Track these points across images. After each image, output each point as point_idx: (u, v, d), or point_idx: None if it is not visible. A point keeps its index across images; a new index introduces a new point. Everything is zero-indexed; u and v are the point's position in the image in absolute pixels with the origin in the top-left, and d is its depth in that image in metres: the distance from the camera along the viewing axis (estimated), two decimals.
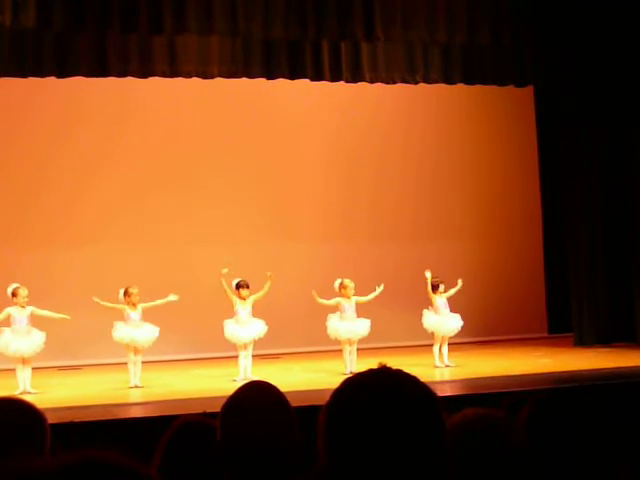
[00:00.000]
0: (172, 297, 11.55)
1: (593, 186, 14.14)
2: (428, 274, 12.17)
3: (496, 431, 2.66)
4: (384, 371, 1.78)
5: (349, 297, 11.88)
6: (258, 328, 11.60)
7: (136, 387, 11.06)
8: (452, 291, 12.28)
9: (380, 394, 1.70)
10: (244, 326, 11.56)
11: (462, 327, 12.12)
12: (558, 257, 15.18)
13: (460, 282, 12.30)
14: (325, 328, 11.89)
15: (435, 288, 12.13)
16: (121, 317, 11.34)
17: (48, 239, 13.98)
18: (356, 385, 1.74)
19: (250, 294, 11.64)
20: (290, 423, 2.90)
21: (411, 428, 1.67)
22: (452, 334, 12.10)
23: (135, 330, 11.24)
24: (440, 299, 12.13)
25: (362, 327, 11.85)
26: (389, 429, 1.66)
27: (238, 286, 11.65)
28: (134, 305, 11.31)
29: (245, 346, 11.53)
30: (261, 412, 2.87)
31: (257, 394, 2.98)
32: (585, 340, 13.94)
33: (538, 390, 8.82)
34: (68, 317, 11.19)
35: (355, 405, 1.69)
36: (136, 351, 11.26)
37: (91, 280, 13.91)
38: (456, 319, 12.11)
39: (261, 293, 11.67)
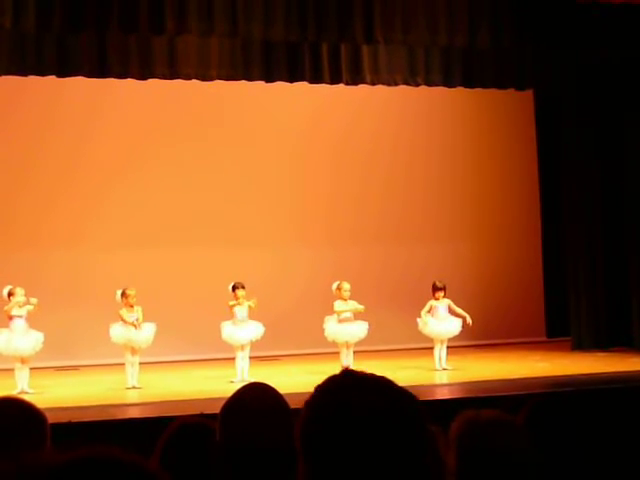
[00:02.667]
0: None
1: (592, 190, 14.14)
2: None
3: (501, 433, 2.66)
4: (351, 377, 1.76)
5: (346, 299, 11.87)
6: (255, 330, 11.60)
7: (133, 388, 11.05)
8: (455, 307, 12.17)
9: (350, 404, 1.68)
10: (241, 328, 11.55)
11: (460, 331, 12.08)
12: (557, 261, 15.18)
13: (469, 319, 12.14)
14: (323, 330, 11.89)
15: (436, 291, 12.11)
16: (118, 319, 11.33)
17: (33, 239, 13.93)
18: (325, 396, 1.73)
19: (247, 296, 11.62)
20: (289, 425, 2.90)
21: (385, 433, 1.66)
22: (447, 337, 12.06)
23: (132, 330, 11.22)
24: (439, 304, 12.09)
25: (360, 330, 11.83)
26: (362, 436, 1.65)
27: (234, 288, 11.64)
28: (131, 306, 11.30)
29: (242, 347, 11.53)
30: (260, 413, 2.87)
31: (256, 395, 2.98)
32: (583, 344, 13.95)
33: (536, 394, 8.82)
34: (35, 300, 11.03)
35: (325, 419, 1.69)
36: (133, 352, 11.24)
37: (86, 280, 13.92)
38: (454, 323, 12.08)
39: (250, 304, 11.63)
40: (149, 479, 1.21)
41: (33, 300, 10.92)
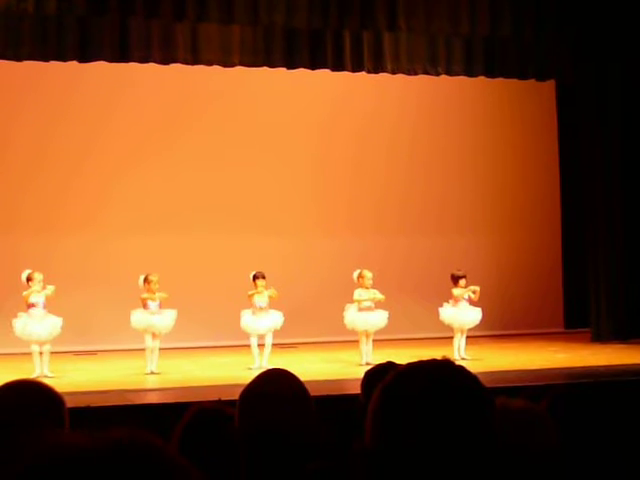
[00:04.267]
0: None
1: (613, 180, 14.08)
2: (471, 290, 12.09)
3: (531, 421, 2.65)
4: (445, 362, 1.82)
5: (367, 288, 11.85)
6: (274, 319, 11.60)
7: (152, 373, 11.09)
8: (464, 291, 12.11)
9: (438, 382, 1.74)
10: (260, 317, 11.57)
11: (480, 320, 12.06)
12: (576, 252, 15.12)
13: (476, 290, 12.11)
14: (342, 318, 11.89)
15: (456, 281, 12.07)
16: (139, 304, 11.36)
17: (52, 224, 13.99)
18: (416, 371, 1.77)
19: (267, 286, 11.63)
20: (308, 411, 2.90)
21: (465, 418, 1.71)
22: (467, 327, 12.04)
23: (153, 316, 11.25)
24: (460, 291, 12.06)
25: (379, 319, 11.82)
26: (442, 417, 1.69)
27: (255, 277, 11.63)
28: (154, 292, 11.32)
29: (262, 336, 11.54)
30: (280, 400, 2.87)
31: (276, 381, 2.98)
32: (602, 336, 13.90)
33: (555, 385, 8.80)
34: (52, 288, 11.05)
35: (412, 390, 1.73)
36: (153, 337, 11.27)
37: (106, 265, 13.96)
38: (474, 312, 12.05)
39: (270, 294, 11.64)
40: (180, 471, 1.19)
41: (50, 287, 10.94)
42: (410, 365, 1.80)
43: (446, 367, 1.81)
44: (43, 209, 13.98)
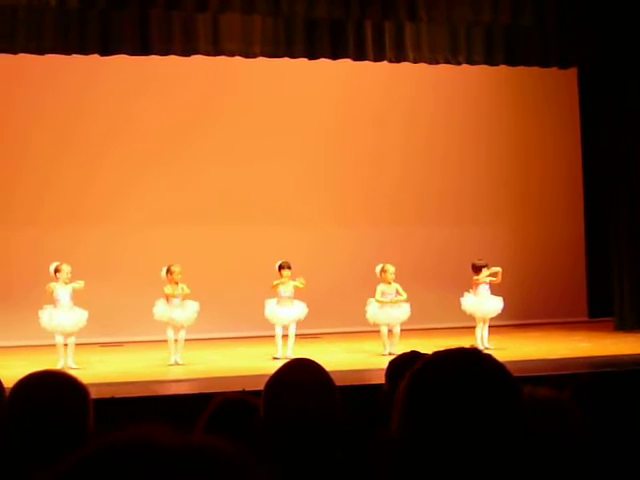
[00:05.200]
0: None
1: (636, 168, 14.00)
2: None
3: (557, 410, 2.66)
4: (473, 351, 1.85)
5: (390, 282, 11.83)
6: (299, 310, 11.62)
7: (177, 364, 11.12)
8: (487, 274, 12.06)
9: (466, 371, 1.76)
10: (285, 307, 11.59)
11: (502, 309, 12.03)
12: (600, 240, 15.06)
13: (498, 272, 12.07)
14: (363, 309, 11.88)
15: (478, 270, 12.04)
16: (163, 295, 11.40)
17: (82, 214, 14.06)
18: (444, 359, 1.79)
19: (292, 276, 11.65)
20: (334, 400, 2.91)
21: (494, 407, 1.72)
22: (490, 316, 12.01)
23: (175, 309, 11.28)
24: (481, 276, 12.02)
25: (402, 312, 11.80)
26: (472, 405, 1.71)
27: (280, 267, 11.65)
28: (176, 283, 11.35)
29: (285, 326, 11.56)
30: (306, 389, 2.87)
31: (301, 371, 2.98)
32: (626, 325, 13.85)
33: (578, 374, 8.77)
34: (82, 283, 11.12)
35: (440, 378, 1.74)
36: (176, 329, 11.30)
37: (130, 257, 14.02)
38: (495, 301, 12.02)
39: (297, 284, 11.66)
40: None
41: (80, 282, 11.00)
42: (438, 353, 1.82)
43: (474, 355, 1.82)
44: (66, 202, 14.03)
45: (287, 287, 11.59)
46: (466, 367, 1.77)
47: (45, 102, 14.03)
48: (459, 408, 1.69)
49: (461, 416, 1.69)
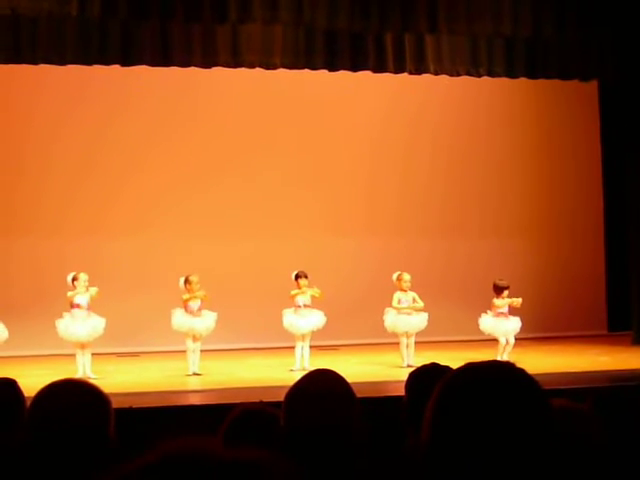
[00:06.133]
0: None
1: None
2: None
3: (573, 420, 2.65)
4: (505, 363, 1.87)
5: (405, 290, 11.84)
6: (317, 319, 11.62)
7: (195, 375, 11.13)
8: (507, 302, 11.96)
9: (499, 383, 1.77)
10: (303, 317, 11.60)
11: (520, 328, 11.91)
12: (619, 254, 15.01)
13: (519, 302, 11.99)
14: (382, 320, 11.89)
15: (499, 291, 11.95)
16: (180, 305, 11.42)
17: (98, 226, 14.12)
18: (476, 371, 1.81)
19: (309, 285, 11.66)
20: (355, 411, 2.91)
21: (525, 419, 1.73)
22: (511, 335, 11.86)
23: (194, 319, 11.31)
24: (502, 303, 11.89)
25: (420, 321, 11.79)
26: (503, 417, 1.72)
27: (297, 277, 11.68)
28: (194, 293, 11.37)
29: (303, 337, 11.56)
30: (327, 400, 2.88)
31: (322, 381, 2.98)
32: None
33: (597, 388, 8.75)
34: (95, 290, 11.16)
35: (472, 389, 1.75)
36: (194, 339, 11.32)
37: (149, 267, 14.06)
38: (513, 322, 11.87)
39: (313, 293, 11.66)
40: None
41: (93, 289, 11.05)
42: (470, 364, 1.83)
43: (507, 368, 1.83)
44: (89, 214, 14.10)
45: (305, 296, 11.61)
46: (499, 378, 1.78)
47: (72, 113, 14.10)
48: (490, 419, 1.70)
49: (492, 428, 1.69)
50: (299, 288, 11.62)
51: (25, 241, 13.94)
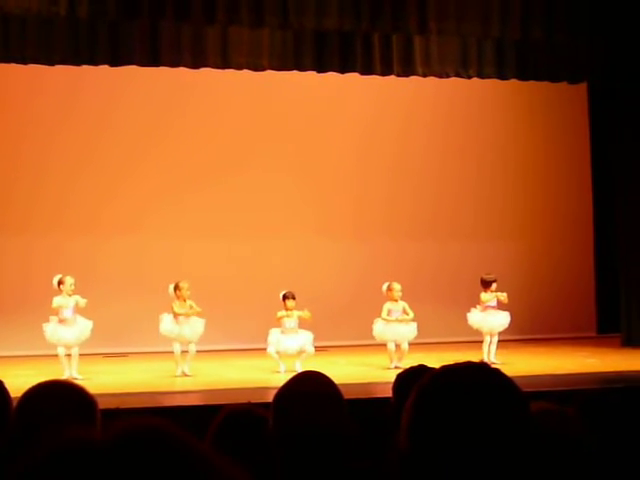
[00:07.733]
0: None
1: None
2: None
3: (554, 421, 2.65)
4: (480, 365, 1.85)
5: (396, 300, 11.78)
6: (304, 339, 11.34)
7: (183, 375, 11.09)
8: (494, 296, 12.01)
9: (475, 385, 1.76)
10: (290, 337, 11.33)
11: (509, 324, 11.98)
12: (608, 256, 15.04)
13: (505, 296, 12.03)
14: (371, 322, 11.85)
15: (487, 285, 12.00)
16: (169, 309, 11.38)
17: (90, 227, 14.09)
18: (452, 373, 1.80)
19: (296, 306, 11.45)
20: (343, 412, 2.91)
21: (502, 421, 1.73)
22: (496, 331, 11.95)
23: (183, 325, 11.23)
24: (489, 297, 11.97)
25: (409, 330, 11.73)
26: (479, 419, 1.71)
27: (285, 297, 11.46)
28: (184, 300, 11.31)
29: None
30: (315, 401, 2.88)
31: (311, 383, 2.98)
32: (633, 340, 13.81)
33: (585, 390, 8.75)
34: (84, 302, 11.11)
35: (448, 391, 1.75)
36: (183, 344, 11.26)
37: (136, 268, 14.04)
38: (502, 316, 11.98)
39: (303, 315, 11.49)
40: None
41: (82, 301, 10.98)
42: (446, 367, 1.82)
43: (482, 369, 1.82)
44: (82, 215, 14.10)
45: (292, 319, 11.37)
46: (474, 381, 1.76)
47: (69, 112, 14.08)
48: (467, 422, 1.69)
49: (469, 430, 1.69)
50: (286, 309, 11.36)
51: (18, 240, 13.90)
